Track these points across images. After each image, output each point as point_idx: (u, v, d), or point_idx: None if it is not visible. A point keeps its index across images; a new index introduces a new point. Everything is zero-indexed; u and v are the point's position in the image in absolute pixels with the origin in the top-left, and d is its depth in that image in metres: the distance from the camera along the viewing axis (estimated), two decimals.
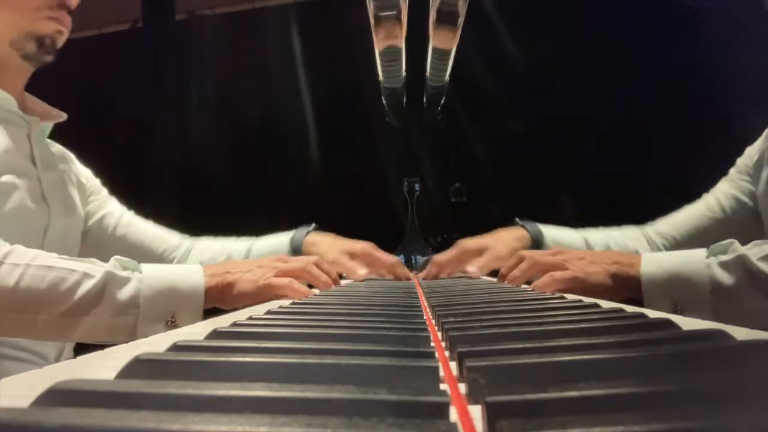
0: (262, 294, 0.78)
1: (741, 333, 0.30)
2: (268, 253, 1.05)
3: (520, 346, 0.28)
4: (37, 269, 0.70)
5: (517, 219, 1.09)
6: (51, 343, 0.90)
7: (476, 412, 0.20)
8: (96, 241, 1.03)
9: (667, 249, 1.04)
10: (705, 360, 0.24)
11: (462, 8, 0.85)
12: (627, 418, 0.16)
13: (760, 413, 0.16)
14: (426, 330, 0.36)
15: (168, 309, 0.74)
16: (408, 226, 1.43)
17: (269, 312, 0.48)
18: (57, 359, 0.92)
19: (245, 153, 2.29)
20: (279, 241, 1.10)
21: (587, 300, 0.54)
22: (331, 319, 0.42)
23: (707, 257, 0.72)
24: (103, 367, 0.29)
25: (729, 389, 0.18)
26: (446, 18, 0.86)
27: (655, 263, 0.75)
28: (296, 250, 1.06)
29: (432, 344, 0.32)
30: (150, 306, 0.73)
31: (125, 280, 0.73)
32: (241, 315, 0.51)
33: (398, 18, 0.85)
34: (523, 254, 0.86)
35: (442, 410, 0.18)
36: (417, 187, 1.45)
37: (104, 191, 1.09)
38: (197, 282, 0.76)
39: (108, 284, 0.71)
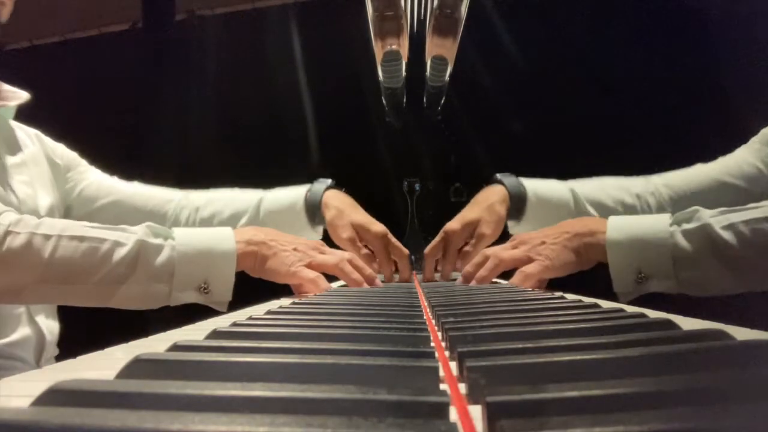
0: (288, 278, 0.79)
1: (741, 333, 0.30)
2: (280, 208, 1.02)
3: (520, 346, 0.28)
4: (69, 240, 0.70)
5: (497, 174, 1.05)
6: (30, 348, 0.88)
7: (476, 412, 0.20)
8: (82, 216, 0.97)
9: (674, 202, 0.98)
10: (705, 360, 0.24)
11: (462, 15, 0.83)
12: (627, 418, 0.16)
13: (760, 413, 0.16)
14: (426, 330, 0.36)
15: (201, 275, 0.74)
16: (408, 226, 1.42)
17: (269, 312, 0.48)
18: (38, 362, 0.90)
19: (245, 153, 2.29)
20: (293, 195, 1.04)
21: (587, 300, 0.54)
22: (331, 319, 0.42)
23: (671, 225, 0.71)
24: (103, 367, 0.29)
25: (729, 389, 0.18)
26: (446, 26, 0.84)
27: (619, 229, 0.74)
28: (312, 207, 1.01)
29: (432, 344, 0.32)
30: (184, 272, 0.73)
31: (158, 248, 0.73)
32: (241, 315, 0.51)
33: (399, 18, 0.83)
34: (487, 252, 0.84)
35: (442, 410, 0.18)
36: (417, 187, 1.44)
37: (82, 163, 1.04)
38: (230, 247, 0.76)
39: (141, 252, 0.72)
